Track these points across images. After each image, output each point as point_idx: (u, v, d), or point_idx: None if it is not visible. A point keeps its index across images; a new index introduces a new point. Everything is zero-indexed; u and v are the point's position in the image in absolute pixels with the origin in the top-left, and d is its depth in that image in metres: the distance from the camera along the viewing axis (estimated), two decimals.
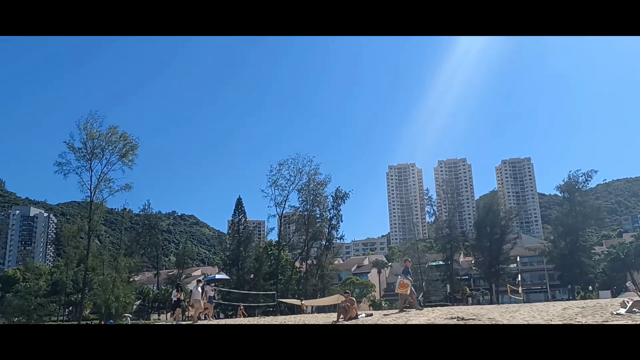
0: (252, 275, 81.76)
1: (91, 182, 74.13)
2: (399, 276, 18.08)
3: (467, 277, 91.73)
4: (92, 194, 75.02)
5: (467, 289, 64.90)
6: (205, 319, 25.20)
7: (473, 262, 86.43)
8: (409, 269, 18.47)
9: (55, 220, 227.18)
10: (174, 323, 23.28)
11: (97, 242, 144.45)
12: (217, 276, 34.49)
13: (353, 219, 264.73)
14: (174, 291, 25.98)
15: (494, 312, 13.58)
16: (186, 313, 25.00)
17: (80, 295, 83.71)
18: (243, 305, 44.14)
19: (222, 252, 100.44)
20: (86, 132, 73.35)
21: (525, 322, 10.60)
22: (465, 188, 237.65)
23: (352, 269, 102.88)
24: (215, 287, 27.91)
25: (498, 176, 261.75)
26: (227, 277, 44.23)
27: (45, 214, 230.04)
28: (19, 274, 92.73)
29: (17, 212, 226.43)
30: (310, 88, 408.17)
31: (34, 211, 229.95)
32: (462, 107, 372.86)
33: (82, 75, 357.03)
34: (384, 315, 16.73)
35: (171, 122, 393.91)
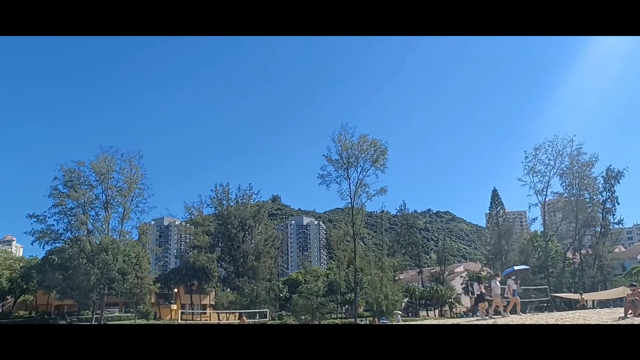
0: None
1: (350, 189, 79.68)
2: None
3: None
4: (352, 200, 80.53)
5: None
6: (503, 313, 23.58)
7: None
8: None
9: (324, 227, 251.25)
10: (485, 317, 22.70)
11: (362, 244, 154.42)
12: (516, 267, 32.59)
13: (633, 200, 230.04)
14: (475, 284, 26.11)
15: None
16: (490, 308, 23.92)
17: (353, 295, 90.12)
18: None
19: (483, 246, 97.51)
20: (340, 144, 79.30)
21: None
22: None
23: (639, 257, 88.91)
24: (517, 280, 26.40)
25: None
26: (527, 267, 41.99)
27: (316, 222, 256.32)
28: (301, 277, 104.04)
29: (293, 222, 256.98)
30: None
31: (306, 220, 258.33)
32: None
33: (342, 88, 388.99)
34: None
35: (414, 120, 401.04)
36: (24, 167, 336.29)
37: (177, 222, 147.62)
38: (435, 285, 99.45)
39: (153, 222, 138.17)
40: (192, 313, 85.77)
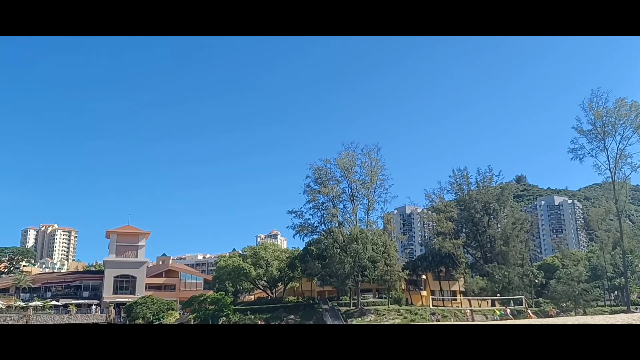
0: None
1: (608, 161, 70.40)
2: None
3: None
4: (613, 174, 71.00)
5: None
6: None
7: None
8: None
9: (580, 206, 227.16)
10: None
11: (629, 222, 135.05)
12: None
13: None
14: None
15: None
16: None
17: (623, 280, 79.37)
18: None
19: None
20: (592, 112, 70.54)
21: None
22: None
23: None
24: None
25: None
26: None
27: (569, 201, 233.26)
28: (557, 261, 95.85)
29: (543, 202, 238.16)
30: None
31: (558, 199, 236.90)
32: None
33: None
34: None
35: None
36: (280, 168, 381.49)
37: (418, 210, 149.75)
38: None
39: (396, 211, 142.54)
40: (443, 299, 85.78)
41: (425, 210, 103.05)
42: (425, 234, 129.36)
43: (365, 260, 77.43)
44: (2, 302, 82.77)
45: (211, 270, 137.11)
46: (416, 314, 74.65)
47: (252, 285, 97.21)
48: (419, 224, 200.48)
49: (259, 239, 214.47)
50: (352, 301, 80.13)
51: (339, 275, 76.47)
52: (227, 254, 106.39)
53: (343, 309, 78.35)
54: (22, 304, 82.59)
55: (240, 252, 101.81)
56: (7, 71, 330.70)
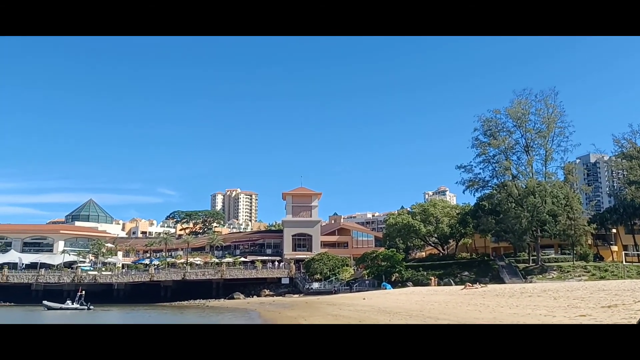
0: None
1: None
2: None
3: None
4: None
5: None
6: None
7: None
8: None
9: None
10: None
11: None
12: None
13: None
14: None
15: None
16: None
17: None
18: None
19: None
20: None
21: None
22: None
23: None
24: None
25: None
26: None
27: None
28: None
29: None
30: None
31: None
32: None
33: None
34: None
35: None
36: (448, 128, 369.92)
37: (605, 158, 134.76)
38: None
39: (578, 161, 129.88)
40: (638, 255, 77.09)
41: (613, 158, 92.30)
42: (615, 184, 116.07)
43: (545, 214, 72.39)
44: (200, 259, 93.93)
45: (380, 227, 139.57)
46: (606, 270, 68.36)
47: (422, 242, 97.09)
48: (606, 174, 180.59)
49: (426, 196, 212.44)
50: (531, 257, 75.87)
51: (515, 230, 72.71)
52: (396, 212, 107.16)
53: (521, 265, 74.79)
54: (216, 260, 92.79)
55: (408, 209, 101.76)
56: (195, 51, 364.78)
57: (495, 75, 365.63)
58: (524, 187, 75.23)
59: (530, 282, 64.75)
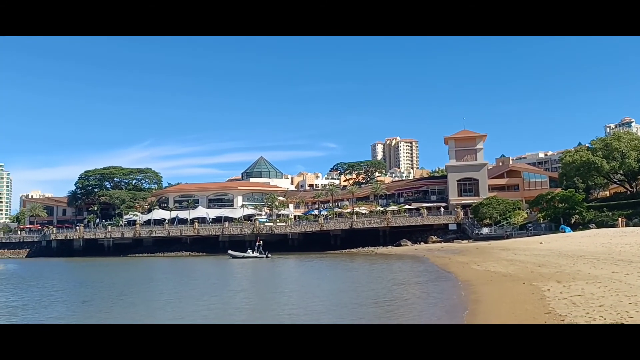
0: None
1: None
2: None
3: None
4: None
5: None
6: None
7: None
8: None
9: None
10: None
11: None
12: None
13: None
14: None
15: None
16: None
17: None
18: None
19: None
20: None
21: None
22: None
23: None
24: None
25: None
26: None
27: None
28: None
29: None
30: None
31: None
32: None
33: None
34: None
35: None
36: None
37: None
38: None
39: None
40: None
41: None
42: None
43: None
44: (365, 208, 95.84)
45: (555, 167, 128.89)
46: None
47: (605, 180, 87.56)
48: None
49: (607, 129, 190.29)
50: None
51: None
52: (573, 149, 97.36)
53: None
54: (381, 208, 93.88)
55: (587, 145, 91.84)
56: None
57: None
58: None
59: None
